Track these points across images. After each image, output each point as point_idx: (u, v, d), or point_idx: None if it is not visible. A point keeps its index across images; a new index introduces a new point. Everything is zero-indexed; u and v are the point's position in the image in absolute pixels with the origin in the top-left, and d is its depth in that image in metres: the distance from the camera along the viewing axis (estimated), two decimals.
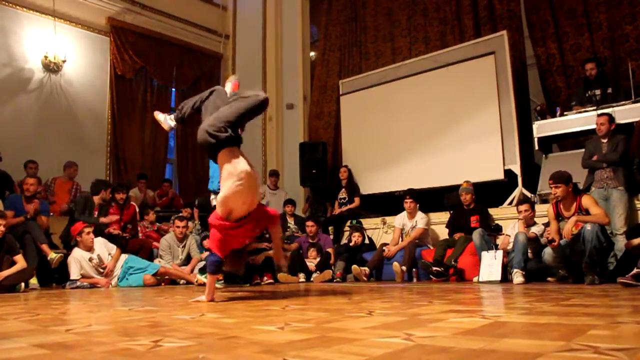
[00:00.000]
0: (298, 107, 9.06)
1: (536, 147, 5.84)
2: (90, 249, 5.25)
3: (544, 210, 4.82)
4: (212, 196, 4.66)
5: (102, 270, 5.28)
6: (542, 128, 5.72)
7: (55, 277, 5.52)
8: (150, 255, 6.03)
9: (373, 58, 8.21)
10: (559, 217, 4.41)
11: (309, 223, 6.34)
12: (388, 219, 6.58)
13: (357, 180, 7.34)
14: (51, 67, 7.56)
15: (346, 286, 4.78)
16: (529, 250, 4.60)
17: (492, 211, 5.74)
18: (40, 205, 5.68)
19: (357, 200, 7.07)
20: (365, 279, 5.56)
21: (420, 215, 5.92)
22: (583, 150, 5.07)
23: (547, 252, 4.30)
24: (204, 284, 5.20)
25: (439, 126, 6.74)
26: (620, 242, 4.46)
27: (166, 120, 3.48)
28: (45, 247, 5.20)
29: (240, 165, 3.00)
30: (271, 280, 5.46)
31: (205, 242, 6.18)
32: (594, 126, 4.97)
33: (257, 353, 1.28)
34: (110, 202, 6.08)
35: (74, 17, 7.93)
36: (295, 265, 5.98)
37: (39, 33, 7.50)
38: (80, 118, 7.87)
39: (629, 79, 5.36)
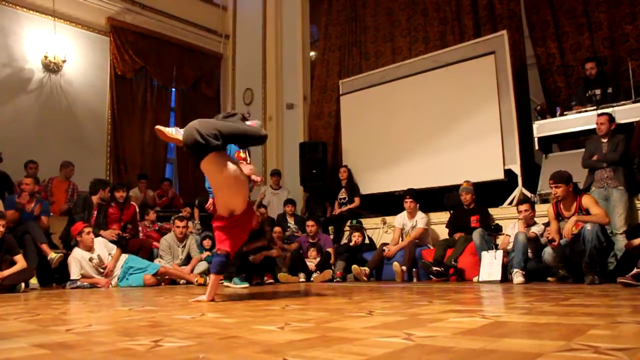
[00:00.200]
0: (298, 107, 9.06)
1: (536, 147, 5.84)
2: (90, 249, 5.25)
3: (544, 210, 4.82)
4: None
5: (102, 270, 5.28)
6: (542, 128, 5.72)
7: (55, 277, 5.52)
8: (150, 255, 6.03)
9: (373, 58, 8.21)
10: (559, 217, 4.41)
11: (309, 223, 6.34)
12: (388, 218, 6.58)
13: (358, 180, 7.34)
14: (51, 67, 7.57)
15: (346, 286, 4.78)
16: (529, 250, 4.60)
17: (492, 211, 5.74)
18: (41, 205, 5.69)
19: (357, 200, 7.07)
20: (365, 278, 5.56)
21: (420, 215, 5.92)
22: (583, 150, 5.07)
23: (547, 252, 4.30)
24: (204, 284, 5.24)
25: (439, 126, 6.74)
26: (621, 242, 4.46)
27: (178, 132, 3.12)
28: (45, 247, 5.20)
29: (229, 163, 3.05)
30: (271, 280, 5.47)
31: (206, 242, 6.19)
32: (594, 126, 4.97)
33: (257, 353, 1.28)
34: (109, 202, 6.07)
35: (74, 17, 7.93)
36: (295, 265, 5.98)
37: (38, 33, 7.51)
38: (80, 118, 7.87)
39: (629, 78, 5.36)
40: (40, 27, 7.53)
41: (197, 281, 5.49)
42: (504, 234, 5.22)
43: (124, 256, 5.48)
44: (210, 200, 3.75)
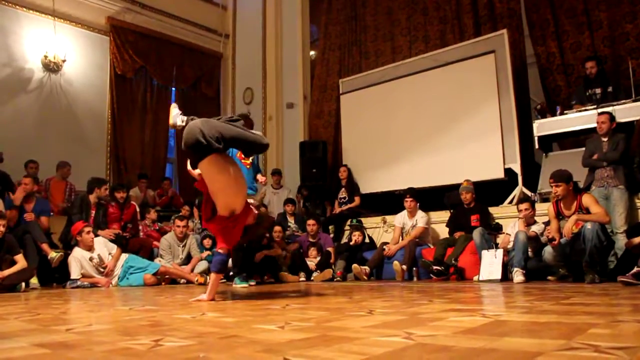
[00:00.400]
0: (298, 106, 9.06)
1: (536, 146, 5.85)
2: (90, 248, 5.26)
3: (544, 209, 4.81)
4: None
5: (102, 270, 5.28)
6: (543, 127, 5.72)
7: (55, 276, 5.52)
8: (150, 255, 6.03)
9: (373, 57, 8.20)
10: (560, 215, 4.41)
11: (310, 222, 6.35)
12: (388, 218, 6.58)
13: (358, 179, 7.34)
14: (51, 67, 7.56)
15: (346, 285, 4.78)
16: (529, 249, 4.60)
17: (493, 210, 5.74)
18: (41, 205, 5.69)
19: (357, 200, 7.07)
20: (365, 278, 5.56)
21: (420, 214, 5.92)
22: (583, 149, 5.07)
23: (548, 251, 4.30)
24: (204, 283, 5.24)
25: (439, 125, 6.74)
26: (621, 241, 4.46)
27: (177, 116, 3.18)
28: (45, 246, 5.20)
29: (230, 164, 3.07)
30: (272, 280, 5.47)
31: (206, 242, 6.19)
32: (594, 125, 4.97)
33: (257, 352, 1.28)
34: (110, 201, 6.08)
35: (73, 17, 7.93)
36: (295, 264, 5.98)
37: (38, 33, 7.50)
38: (80, 118, 7.87)
39: (629, 77, 5.36)
40: (40, 27, 7.52)
41: (197, 280, 5.49)
42: (504, 233, 5.22)
43: (124, 256, 5.48)
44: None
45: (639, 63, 5.63)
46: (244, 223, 3.20)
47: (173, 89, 9.23)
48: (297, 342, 1.42)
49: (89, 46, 8.12)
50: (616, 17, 5.90)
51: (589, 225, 4.01)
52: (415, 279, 5.48)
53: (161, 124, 8.89)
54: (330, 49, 8.75)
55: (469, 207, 5.65)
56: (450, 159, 6.49)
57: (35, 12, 7.50)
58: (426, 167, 6.73)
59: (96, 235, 5.43)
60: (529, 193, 5.69)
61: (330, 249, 6.13)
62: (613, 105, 5.15)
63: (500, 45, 6.26)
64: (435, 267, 5.13)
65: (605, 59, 5.87)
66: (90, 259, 5.23)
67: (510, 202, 5.83)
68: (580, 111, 5.44)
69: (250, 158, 4.74)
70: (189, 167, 3.29)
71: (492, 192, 6.05)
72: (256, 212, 3.44)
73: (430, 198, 6.27)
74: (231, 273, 5.28)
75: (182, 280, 5.63)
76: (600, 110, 5.06)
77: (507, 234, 5.07)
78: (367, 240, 6.32)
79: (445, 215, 6.06)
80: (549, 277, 4.59)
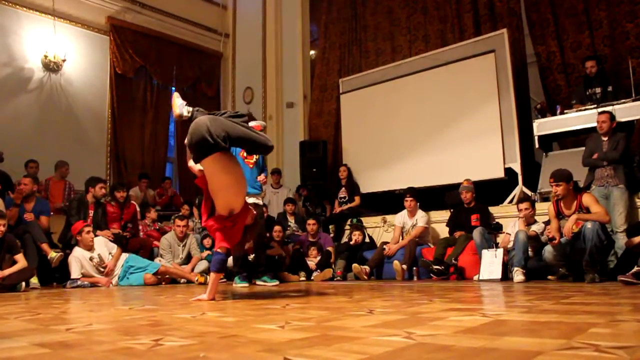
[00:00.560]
0: (298, 106, 9.06)
1: (536, 146, 5.85)
2: (90, 248, 5.26)
3: (544, 209, 4.81)
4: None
5: (102, 270, 5.28)
6: (543, 126, 5.72)
7: (56, 276, 5.53)
8: (150, 254, 6.04)
9: (373, 56, 8.20)
10: (560, 215, 4.41)
11: (310, 221, 6.35)
12: (388, 217, 6.58)
13: (358, 178, 7.33)
14: (51, 67, 7.56)
15: (347, 285, 4.78)
16: (530, 249, 4.60)
17: (493, 209, 5.74)
18: (41, 205, 5.69)
19: (357, 199, 7.07)
20: (365, 277, 5.56)
21: (420, 213, 5.91)
22: (583, 148, 5.07)
23: (548, 251, 4.30)
24: (204, 283, 5.24)
25: (439, 124, 6.73)
26: (621, 240, 4.47)
27: (182, 106, 3.14)
28: (45, 246, 5.20)
29: (233, 164, 3.06)
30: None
31: (206, 241, 6.19)
32: (594, 124, 4.97)
33: (257, 352, 1.28)
34: (108, 200, 6.08)
35: (73, 17, 7.93)
36: (295, 264, 5.98)
37: (38, 32, 7.50)
38: (80, 117, 7.87)
39: (629, 77, 5.35)
40: (40, 27, 7.52)
41: (197, 280, 5.49)
42: (504, 233, 5.22)
43: (125, 255, 5.49)
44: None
45: (639, 62, 5.63)
46: (243, 223, 3.20)
47: (173, 88, 9.21)
48: (297, 342, 1.42)
49: (89, 46, 8.12)
50: (616, 16, 5.90)
51: (589, 225, 4.01)
52: (415, 278, 5.48)
53: (161, 123, 8.90)
54: (330, 49, 8.75)
55: (469, 206, 5.65)
56: (450, 158, 6.49)
57: (35, 12, 7.49)
58: (426, 166, 6.73)
59: (96, 235, 5.43)
60: (529, 192, 5.69)
61: (330, 249, 6.13)
62: (613, 105, 5.15)
63: (500, 44, 6.26)
64: (435, 267, 5.13)
65: (605, 58, 5.87)
66: (91, 259, 5.23)
67: (511, 202, 5.83)
68: (580, 110, 5.44)
69: (254, 157, 4.75)
70: (190, 163, 3.28)
71: (492, 191, 6.06)
72: (254, 212, 3.44)
73: (430, 197, 6.27)
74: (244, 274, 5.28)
75: (182, 280, 5.63)
76: (600, 109, 5.06)
77: (507, 233, 5.07)
78: (367, 239, 6.32)
79: (445, 214, 6.05)
80: (549, 277, 4.59)
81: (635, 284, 3.45)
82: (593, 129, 5.05)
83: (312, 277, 5.89)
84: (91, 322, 2.03)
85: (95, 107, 8.09)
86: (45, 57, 7.48)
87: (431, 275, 5.20)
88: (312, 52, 9.44)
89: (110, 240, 5.53)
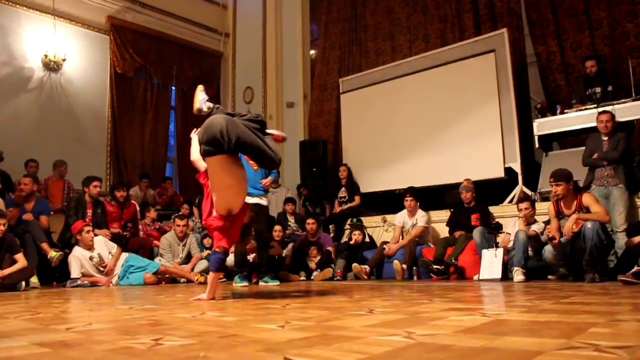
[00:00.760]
0: (298, 106, 9.05)
1: (536, 145, 5.85)
2: (90, 247, 5.26)
3: (544, 208, 4.82)
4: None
5: (102, 269, 5.28)
6: (543, 126, 5.72)
7: (55, 275, 5.53)
8: (150, 254, 6.04)
9: (373, 56, 8.20)
10: (560, 215, 4.41)
11: (310, 221, 6.35)
12: (388, 217, 6.58)
13: (358, 178, 7.33)
14: (51, 66, 7.55)
15: (347, 284, 4.78)
16: (530, 248, 4.60)
17: (493, 209, 5.74)
18: (41, 205, 5.69)
19: (357, 199, 7.07)
20: (365, 277, 5.56)
21: (420, 213, 5.91)
22: (583, 148, 5.07)
23: (548, 250, 4.30)
24: (204, 282, 5.23)
25: (439, 124, 6.73)
26: (621, 240, 4.47)
27: (203, 102, 3.15)
28: (45, 245, 5.20)
29: (237, 165, 3.06)
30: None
31: (206, 241, 6.19)
32: (594, 124, 4.97)
33: (257, 351, 1.28)
34: (111, 200, 6.07)
35: (73, 16, 7.92)
36: (295, 263, 5.98)
37: (38, 32, 7.50)
38: (80, 117, 7.87)
39: (629, 76, 5.36)
40: (40, 26, 7.52)
41: (197, 280, 5.49)
42: (504, 232, 5.22)
43: (124, 255, 5.49)
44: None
45: (639, 62, 5.63)
46: (241, 223, 3.21)
47: (173, 88, 9.23)
48: (297, 341, 1.41)
49: (89, 45, 8.11)
50: (616, 16, 5.90)
51: (589, 225, 4.01)
52: (415, 278, 5.49)
53: (161, 123, 8.90)
54: (331, 48, 8.75)
55: (469, 206, 5.65)
56: (450, 158, 6.49)
57: (36, 11, 7.49)
58: (426, 166, 6.73)
59: (95, 234, 5.43)
60: (529, 192, 5.69)
61: (330, 248, 6.13)
62: (613, 105, 5.15)
63: (501, 44, 6.26)
64: (435, 267, 5.13)
65: (605, 58, 5.87)
66: (91, 258, 5.23)
67: (511, 201, 5.83)
68: (580, 110, 5.44)
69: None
70: (192, 156, 3.29)
71: (492, 191, 6.06)
72: (251, 212, 3.44)
73: (430, 197, 6.27)
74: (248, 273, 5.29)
75: (182, 280, 5.63)
76: (600, 109, 5.06)
77: (507, 233, 5.07)
78: (367, 239, 6.33)
79: (445, 214, 6.06)
80: (549, 276, 4.60)
81: (635, 284, 3.45)
82: (593, 128, 5.05)
83: (312, 277, 5.89)
84: (91, 322, 2.03)
85: (95, 106, 8.09)
86: (46, 56, 7.48)
87: (431, 275, 5.20)
88: (312, 52, 9.43)
89: (109, 240, 5.53)
